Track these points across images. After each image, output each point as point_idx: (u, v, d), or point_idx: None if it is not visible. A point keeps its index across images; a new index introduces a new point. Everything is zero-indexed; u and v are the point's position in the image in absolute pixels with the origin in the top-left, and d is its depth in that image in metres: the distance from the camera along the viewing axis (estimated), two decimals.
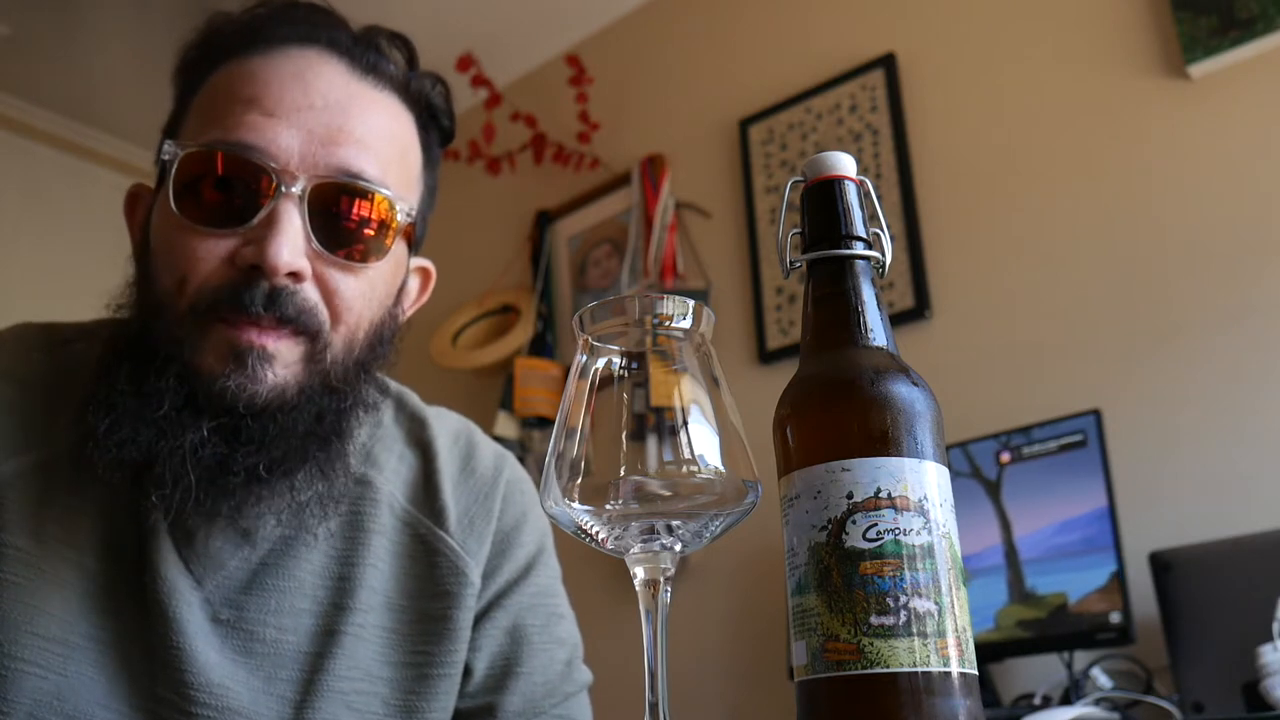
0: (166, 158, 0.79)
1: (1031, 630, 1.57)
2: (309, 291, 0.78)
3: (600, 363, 0.57)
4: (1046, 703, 1.61)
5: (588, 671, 0.96)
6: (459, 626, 0.87)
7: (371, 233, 0.80)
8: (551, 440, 0.57)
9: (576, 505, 0.55)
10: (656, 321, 0.58)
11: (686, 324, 0.58)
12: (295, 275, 0.77)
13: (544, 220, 2.77)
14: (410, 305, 0.94)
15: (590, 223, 2.70)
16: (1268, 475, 1.66)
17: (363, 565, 0.85)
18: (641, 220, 2.54)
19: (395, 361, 0.90)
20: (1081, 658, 1.61)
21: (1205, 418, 1.74)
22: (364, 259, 0.80)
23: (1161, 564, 1.51)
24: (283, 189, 0.76)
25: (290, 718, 0.81)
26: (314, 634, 0.83)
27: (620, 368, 0.57)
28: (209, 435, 0.75)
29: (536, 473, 2.37)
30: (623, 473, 0.54)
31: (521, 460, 2.41)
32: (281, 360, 0.77)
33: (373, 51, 0.85)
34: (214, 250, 0.76)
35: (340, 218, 0.79)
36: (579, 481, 0.55)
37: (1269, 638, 1.23)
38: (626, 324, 0.58)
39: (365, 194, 0.80)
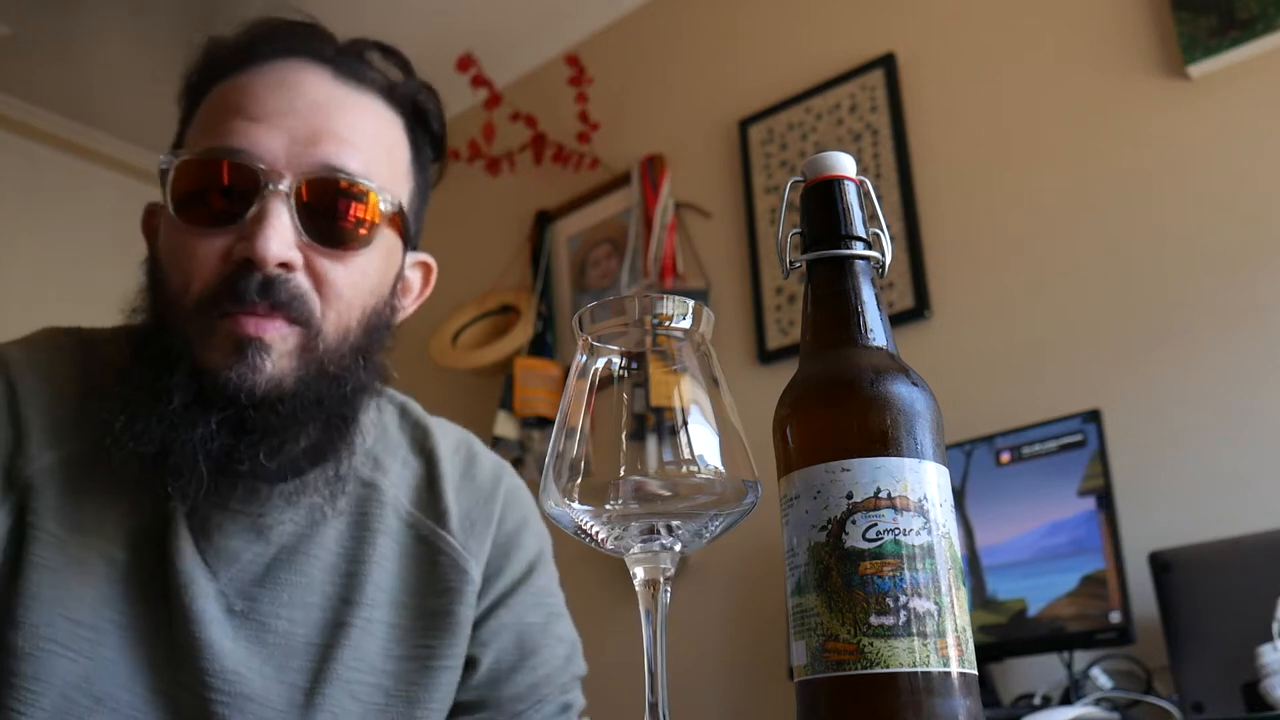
0: (164, 168, 0.84)
1: (992, 635, 1.60)
2: (300, 279, 0.82)
3: (600, 363, 0.57)
4: (1046, 703, 1.61)
5: (584, 664, 1.01)
6: (460, 621, 0.92)
7: (358, 221, 0.85)
8: (551, 440, 0.57)
9: (576, 505, 0.55)
10: (656, 321, 0.58)
11: (686, 324, 0.58)
12: (286, 265, 0.81)
13: (544, 220, 2.77)
14: (413, 299, 0.98)
15: (590, 223, 2.70)
16: (1268, 475, 1.66)
17: (369, 563, 0.89)
18: (641, 220, 2.54)
19: (394, 347, 0.94)
20: (1081, 658, 1.61)
21: (1205, 417, 1.74)
22: (352, 248, 0.85)
23: (1161, 564, 1.51)
24: (270, 187, 0.81)
25: (301, 704, 0.85)
26: (323, 626, 0.87)
27: (620, 368, 0.57)
28: (217, 428, 0.80)
29: (536, 472, 2.37)
30: (623, 473, 0.54)
31: (521, 460, 2.42)
32: (277, 350, 0.81)
33: (356, 61, 0.90)
34: (212, 249, 0.81)
35: (327, 210, 0.83)
36: (579, 481, 0.55)
37: (1269, 638, 1.23)
38: (626, 324, 0.58)
39: (350, 185, 0.84)
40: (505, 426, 2.47)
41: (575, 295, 2.67)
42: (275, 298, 0.80)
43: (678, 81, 2.63)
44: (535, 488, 0.59)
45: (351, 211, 0.84)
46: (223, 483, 0.81)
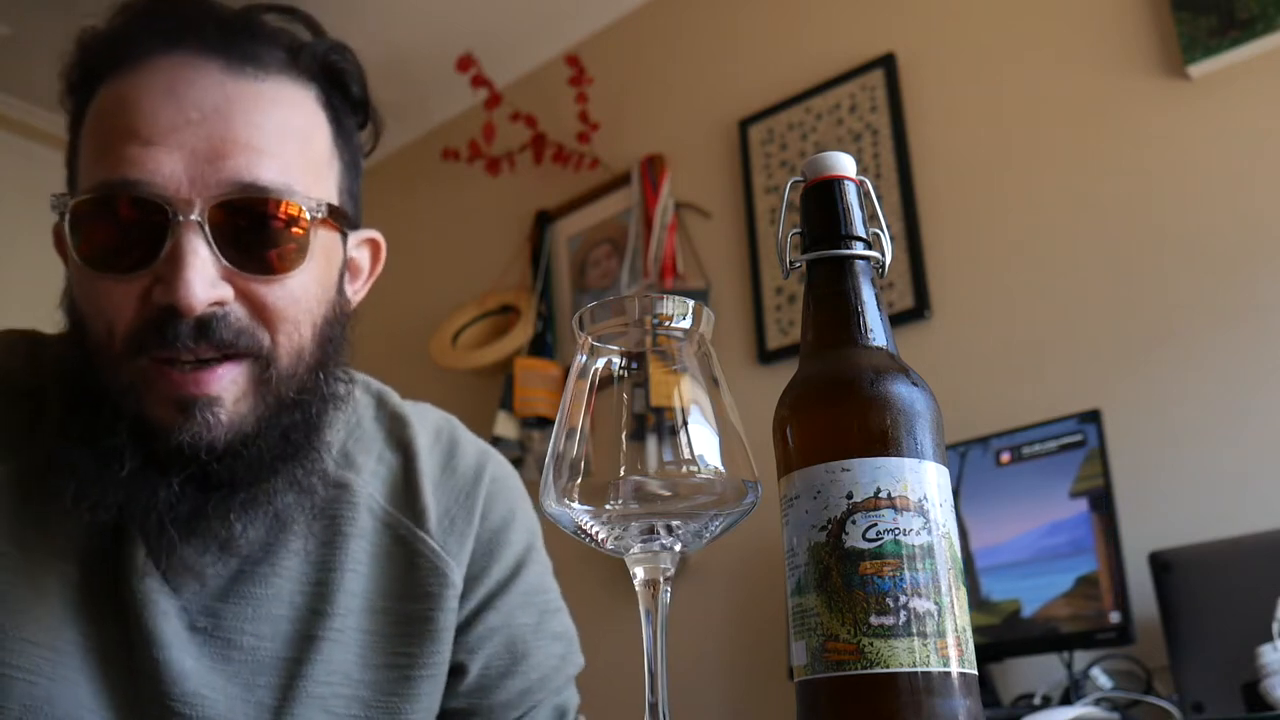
0: (60, 210, 0.76)
1: (986, 637, 1.61)
2: (237, 311, 0.75)
3: (600, 363, 0.57)
4: (1046, 703, 1.61)
5: (581, 659, 0.96)
6: (441, 628, 0.87)
7: (284, 238, 0.76)
8: (551, 440, 0.57)
9: (576, 505, 0.55)
10: (656, 321, 0.58)
11: (686, 324, 0.58)
12: (218, 303, 0.74)
13: (544, 220, 2.77)
14: (364, 281, 0.90)
15: (590, 223, 2.70)
16: (1268, 475, 1.66)
17: (341, 570, 0.84)
18: (641, 220, 2.54)
19: (352, 352, 0.86)
20: (1081, 658, 1.61)
21: (1205, 417, 1.74)
22: (284, 268, 0.76)
23: (1161, 564, 1.51)
24: (180, 218, 0.72)
25: None
26: (292, 640, 0.82)
27: (620, 368, 0.57)
28: (180, 489, 0.75)
29: (536, 472, 2.37)
30: (623, 473, 0.54)
31: (521, 460, 2.42)
32: (229, 397, 0.75)
33: (248, 37, 0.79)
34: (129, 294, 0.74)
35: (248, 234, 0.74)
36: (579, 481, 0.55)
37: (1269, 638, 1.23)
38: (626, 324, 0.58)
39: (266, 202, 0.75)
40: (505, 426, 2.47)
41: (575, 295, 2.67)
42: (218, 338, 0.73)
43: (678, 81, 2.63)
44: (535, 488, 0.59)
45: (276, 230, 0.75)
46: (192, 536, 0.76)
